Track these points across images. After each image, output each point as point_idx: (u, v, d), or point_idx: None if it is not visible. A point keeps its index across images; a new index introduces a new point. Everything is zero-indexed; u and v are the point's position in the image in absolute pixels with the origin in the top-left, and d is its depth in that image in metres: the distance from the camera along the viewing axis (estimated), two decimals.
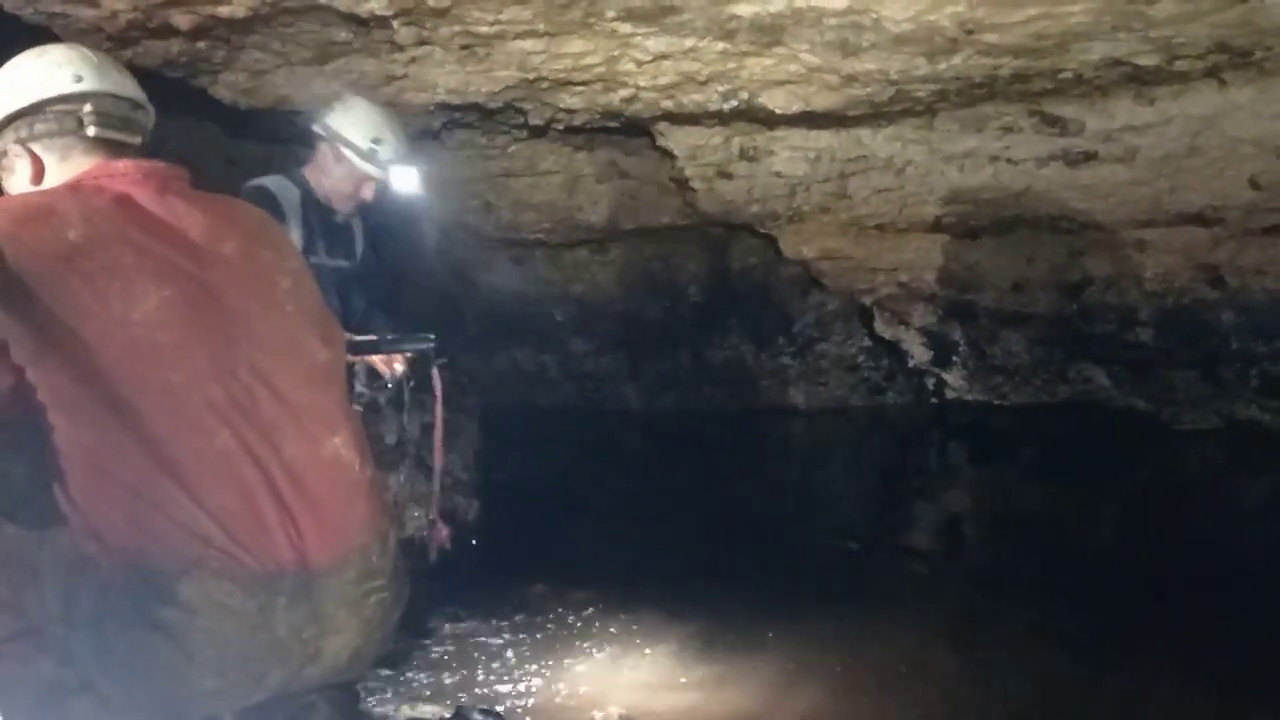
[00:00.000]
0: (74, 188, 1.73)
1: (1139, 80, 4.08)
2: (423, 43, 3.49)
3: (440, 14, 3.16)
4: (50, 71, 1.76)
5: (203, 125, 5.53)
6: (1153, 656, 3.71)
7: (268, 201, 2.76)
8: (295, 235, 2.85)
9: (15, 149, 1.78)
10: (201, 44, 3.29)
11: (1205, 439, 6.35)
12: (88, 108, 1.74)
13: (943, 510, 6.28)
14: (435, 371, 2.71)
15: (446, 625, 3.90)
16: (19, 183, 1.79)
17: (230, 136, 5.71)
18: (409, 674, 3.50)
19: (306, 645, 1.73)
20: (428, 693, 3.34)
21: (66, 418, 1.64)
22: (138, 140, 1.80)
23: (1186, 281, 5.83)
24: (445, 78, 3.91)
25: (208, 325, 1.71)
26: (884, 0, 2.93)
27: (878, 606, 4.30)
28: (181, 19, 2.98)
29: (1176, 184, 4.93)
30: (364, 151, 2.92)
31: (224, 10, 2.93)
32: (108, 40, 3.15)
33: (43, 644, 1.71)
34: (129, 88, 1.81)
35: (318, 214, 2.98)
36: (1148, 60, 3.70)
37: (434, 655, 3.69)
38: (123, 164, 1.75)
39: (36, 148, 1.76)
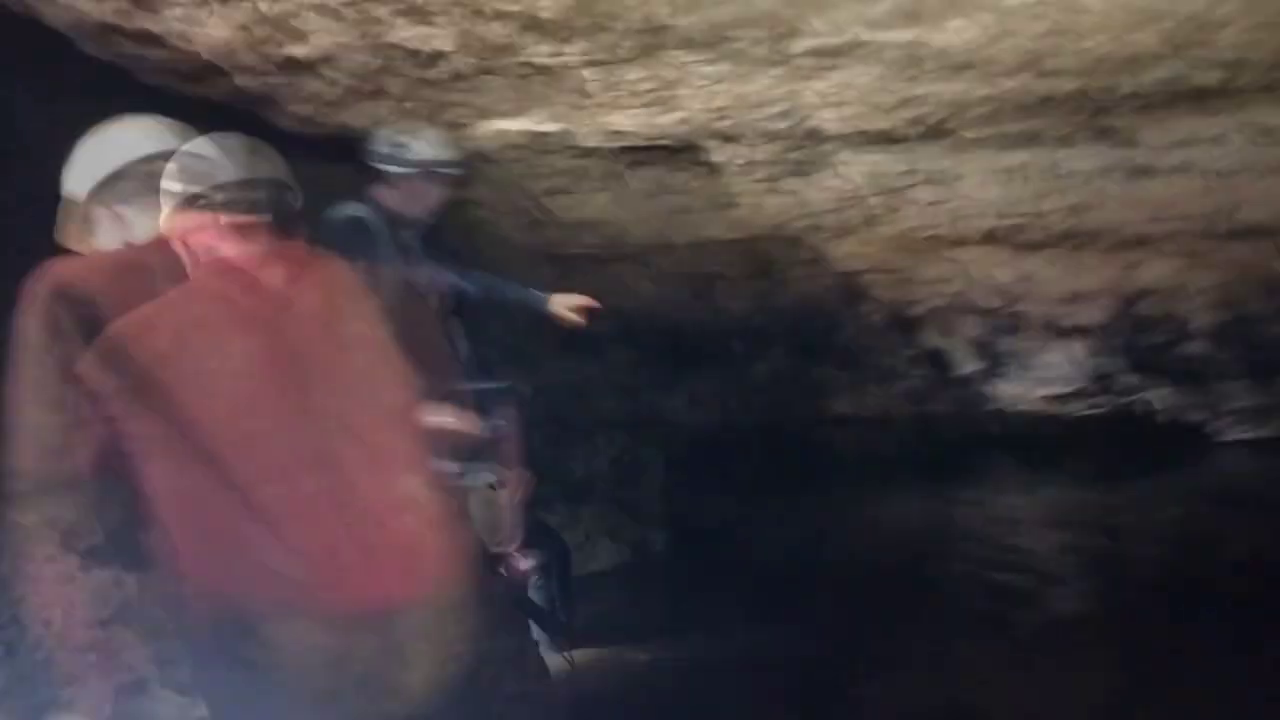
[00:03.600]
0: (160, 242, 1.83)
1: (1198, 96, 4.04)
2: (482, 74, 3.52)
3: (502, 49, 3.20)
4: (186, 170, 1.88)
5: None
6: (1203, 673, 3.69)
7: (361, 230, 2.82)
8: (391, 258, 2.91)
9: (178, 245, 1.89)
10: (270, 80, 3.34)
11: (1259, 450, 6.28)
12: (219, 198, 1.87)
13: (992, 523, 6.24)
14: (511, 415, 2.73)
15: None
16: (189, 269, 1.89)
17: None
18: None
19: (387, 681, 1.79)
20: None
21: (159, 466, 1.74)
22: (268, 216, 1.90)
23: (1241, 294, 5.76)
24: (500, 104, 3.94)
25: (288, 375, 1.79)
26: (945, 33, 2.92)
27: (936, 626, 4.29)
28: (251, 59, 3.04)
29: (1235, 198, 4.87)
30: (390, 155, 2.95)
31: (299, 51, 2.99)
32: (180, 79, 3.21)
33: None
34: (261, 169, 1.93)
35: (402, 234, 3.04)
36: (1208, 79, 3.67)
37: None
38: (225, 259, 1.85)
39: (190, 242, 1.88)
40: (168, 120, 1.98)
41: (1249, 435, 6.33)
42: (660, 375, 7.72)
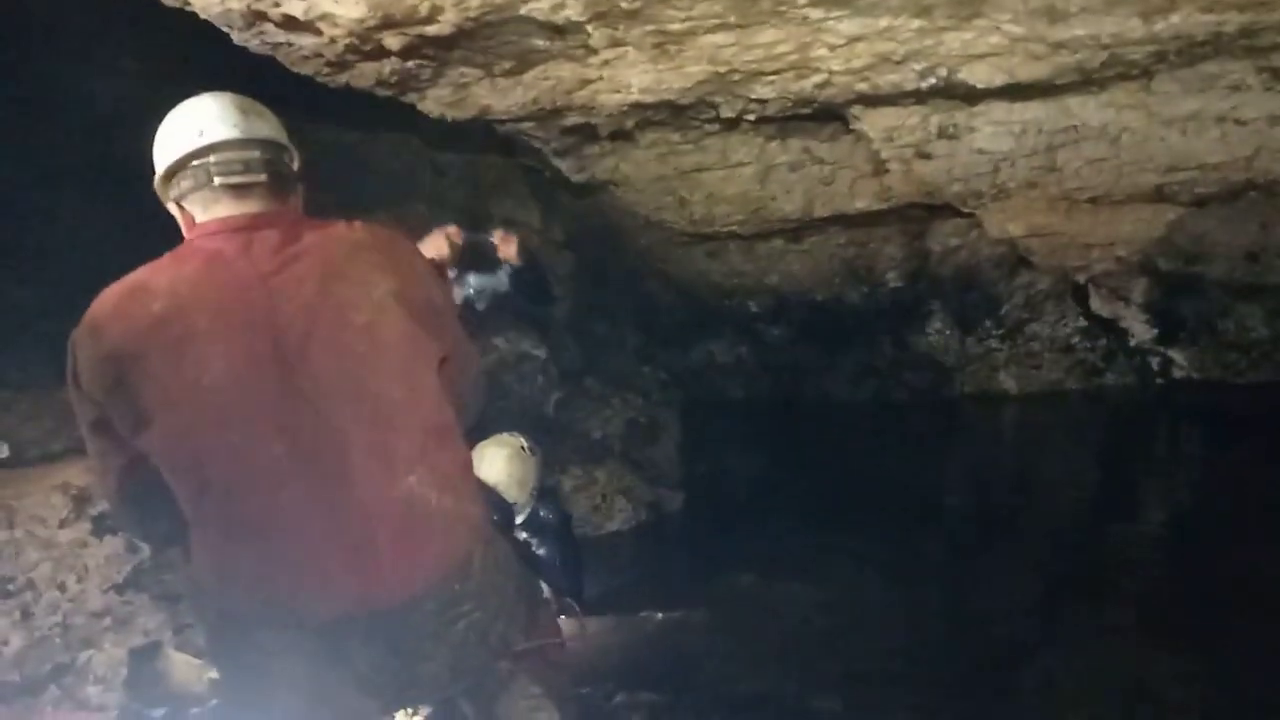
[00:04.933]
0: (176, 255, 1.82)
1: None
2: (616, 44, 3.54)
3: (633, 15, 3.21)
4: (178, 132, 1.85)
5: (409, 140, 5.83)
6: None
7: None
8: None
9: (174, 208, 1.88)
10: (411, 63, 3.45)
11: None
12: (212, 159, 1.82)
13: (1173, 503, 5.89)
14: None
15: (660, 614, 3.96)
16: (184, 233, 1.88)
17: (435, 150, 5.98)
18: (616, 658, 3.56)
19: (396, 675, 1.79)
20: (636, 678, 3.38)
21: (172, 480, 1.76)
22: (263, 177, 1.84)
23: None
24: (638, 77, 3.96)
25: (273, 383, 1.74)
26: None
27: (1104, 611, 4.10)
28: (393, 40, 3.15)
29: None
30: None
31: (431, 29, 3.08)
32: (326, 65, 3.36)
33: None
34: (256, 128, 1.86)
35: None
36: None
37: (641, 641, 3.76)
38: (218, 222, 1.82)
39: (186, 204, 1.85)
40: (238, 99, 1.89)
41: None
42: (815, 353, 7.61)
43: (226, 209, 1.83)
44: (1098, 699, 3.27)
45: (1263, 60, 4.08)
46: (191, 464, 1.76)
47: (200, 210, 1.84)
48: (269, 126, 1.89)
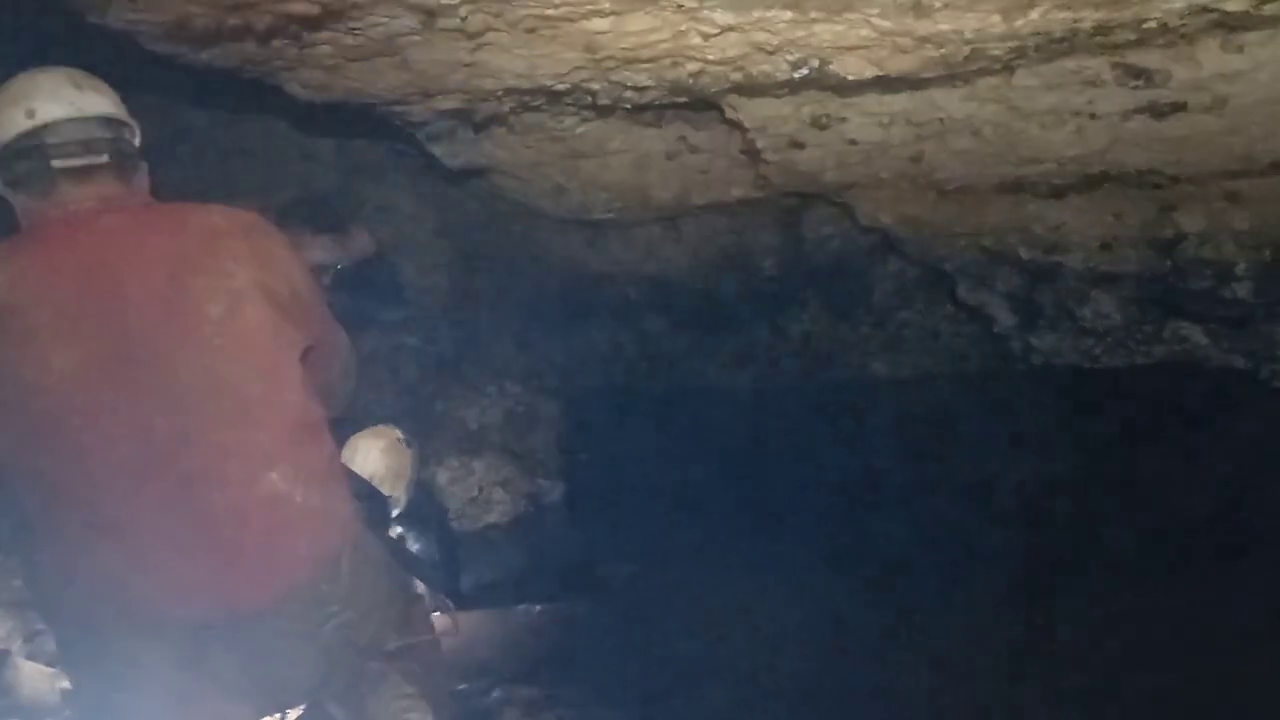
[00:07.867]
0: (11, 246, 1.74)
1: (1227, 26, 3.91)
2: (490, 28, 3.49)
3: None
4: (7, 112, 1.74)
5: (277, 123, 5.63)
6: (1252, 632, 3.61)
7: None
8: None
9: (7, 191, 1.78)
10: (276, 42, 3.33)
11: None
12: (48, 140, 1.73)
13: (1033, 480, 6.15)
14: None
15: (538, 607, 3.94)
16: (20, 222, 1.79)
17: (304, 133, 5.80)
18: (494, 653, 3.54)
19: (262, 680, 1.75)
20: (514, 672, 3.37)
21: (15, 485, 1.70)
22: (104, 158, 1.74)
23: None
24: (513, 62, 3.91)
25: (122, 380, 1.67)
26: None
27: (961, 587, 4.25)
28: (256, 19, 3.02)
29: (1270, 131, 4.70)
30: None
31: (297, 8, 2.96)
32: (185, 44, 3.20)
33: None
34: (93, 104, 1.76)
35: None
36: (1236, 5, 3.54)
37: (519, 635, 3.73)
38: (57, 209, 1.72)
39: (20, 191, 1.77)
40: (70, 73, 1.75)
41: None
42: (692, 341, 7.66)
43: (66, 194, 1.71)
44: (983, 671, 3.38)
45: (1116, 56, 4.25)
46: (36, 469, 1.66)
47: (37, 197, 1.73)
48: (107, 101, 1.79)
